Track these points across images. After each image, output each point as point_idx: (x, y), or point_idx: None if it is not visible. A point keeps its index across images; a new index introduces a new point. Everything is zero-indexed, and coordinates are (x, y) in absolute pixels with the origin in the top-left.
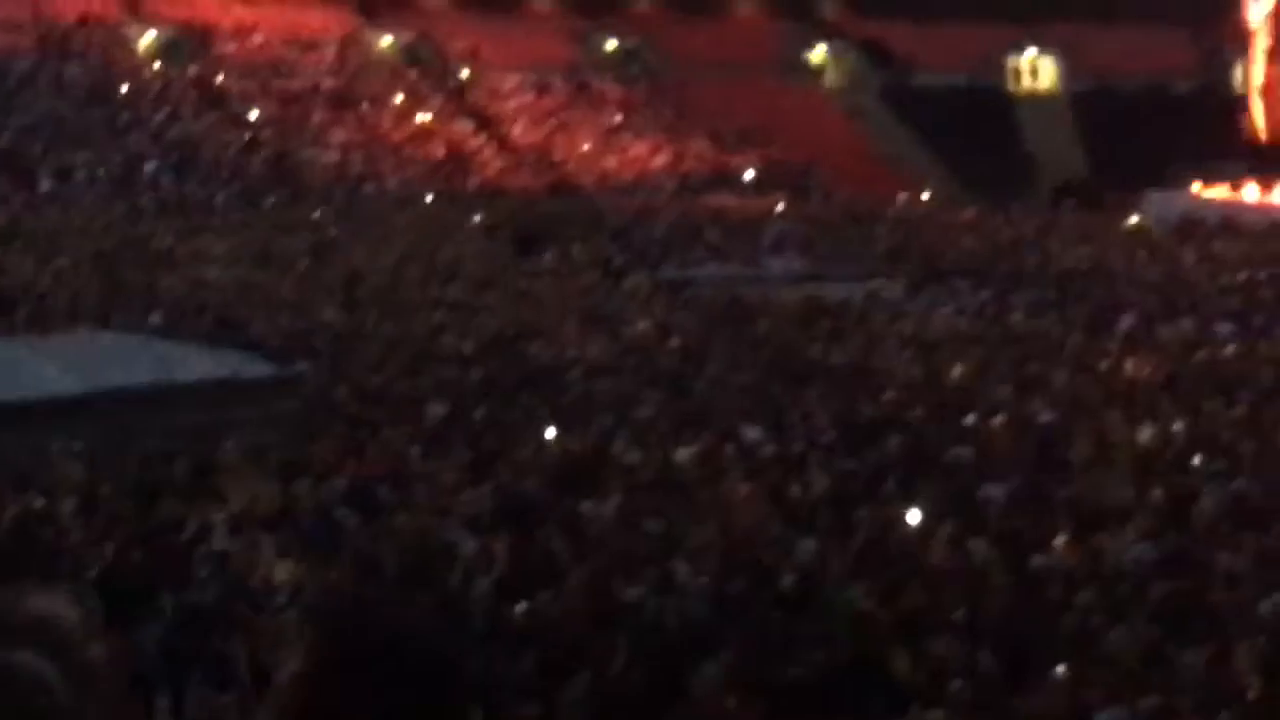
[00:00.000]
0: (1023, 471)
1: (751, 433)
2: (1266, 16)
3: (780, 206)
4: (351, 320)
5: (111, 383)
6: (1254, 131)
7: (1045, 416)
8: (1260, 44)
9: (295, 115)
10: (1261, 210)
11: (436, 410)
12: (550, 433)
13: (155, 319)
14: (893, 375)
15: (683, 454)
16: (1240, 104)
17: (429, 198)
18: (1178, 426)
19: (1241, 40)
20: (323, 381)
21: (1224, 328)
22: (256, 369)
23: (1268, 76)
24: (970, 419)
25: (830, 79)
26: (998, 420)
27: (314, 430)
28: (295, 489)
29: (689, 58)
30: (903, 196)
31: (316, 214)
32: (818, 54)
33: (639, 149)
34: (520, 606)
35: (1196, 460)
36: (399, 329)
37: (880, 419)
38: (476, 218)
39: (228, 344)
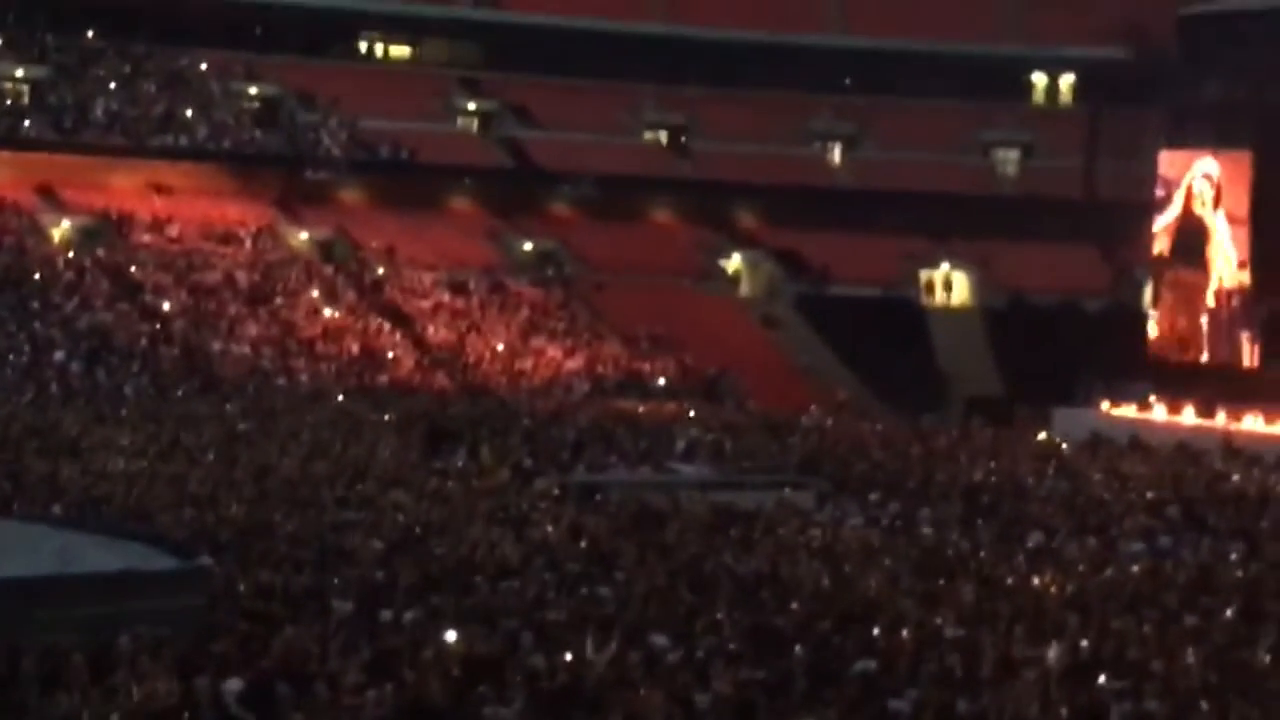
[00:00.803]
0: (929, 685)
1: (658, 639)
2: (1166, 226)
3: (692, 413)
4: (258, 515)
5: (10, 572)
6: (1149, 344)
7: (952, 631)
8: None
9: (209, 308)
10: (1168, 429)
11: (341, 608)
12: (454, 635)
13: (57, 509)
14: (800, 585)
15: (589, 658)
16: (1149, 323)
17: (340, 394)
18: (1085, 644)
19: (1150, 260)
20: (226, 576)
21: (1131, 546)
22: (159, 562)
23: (1168, 288)
24: (877, 631)
25: (745, 288)
26: (904, 633)
27: (216, 626)
28: (194, 685)
29: (605, 262)
30: (815, 406)
31: (226, 407)
32: (733, 262)
33: (553, 351)
34: None
35: (1103, 678)
36: (305, 525)
37: (787, 629)
38: (387, 416)
39: (130, 536)
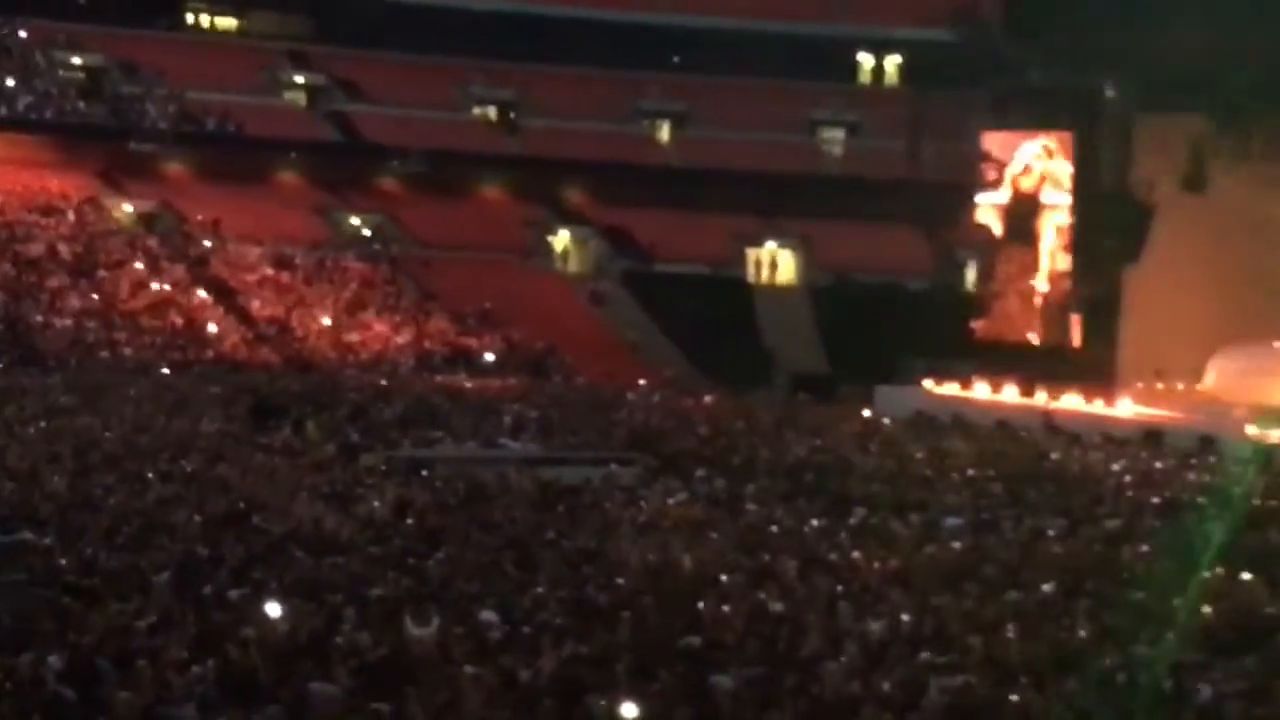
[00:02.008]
0: (753, 661)
1: (484, 614)
2: (998, 207)
3: (520, 389)
4: (80, 490)
5: None
6: (978, 323)
7: (777, 606)
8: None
9: (30, 280)
10: (990, 408)
11: (164, 584)
12: (278, 610)
13: None
14: (626, 561)
15: (414, 634)
16: (972, 303)
17: (165, 368)
18: (907, 619)
19: (973, 241)
20: (47, 552)
21: (953, 522)
22: None
23: (1001, 269)
24: (702, 607)
25: (573, 264)
26: (729, 609)
27: (36, 602)
28: (15, 662)
29: (433, 238)
30: (642, 383)
31: (48, 380)
32: (561, 239)
33: (380, 326)
34: None
35: (925, 654)
36: (128, 500)
37: (613, 604)
38: (213, 390)
39: None
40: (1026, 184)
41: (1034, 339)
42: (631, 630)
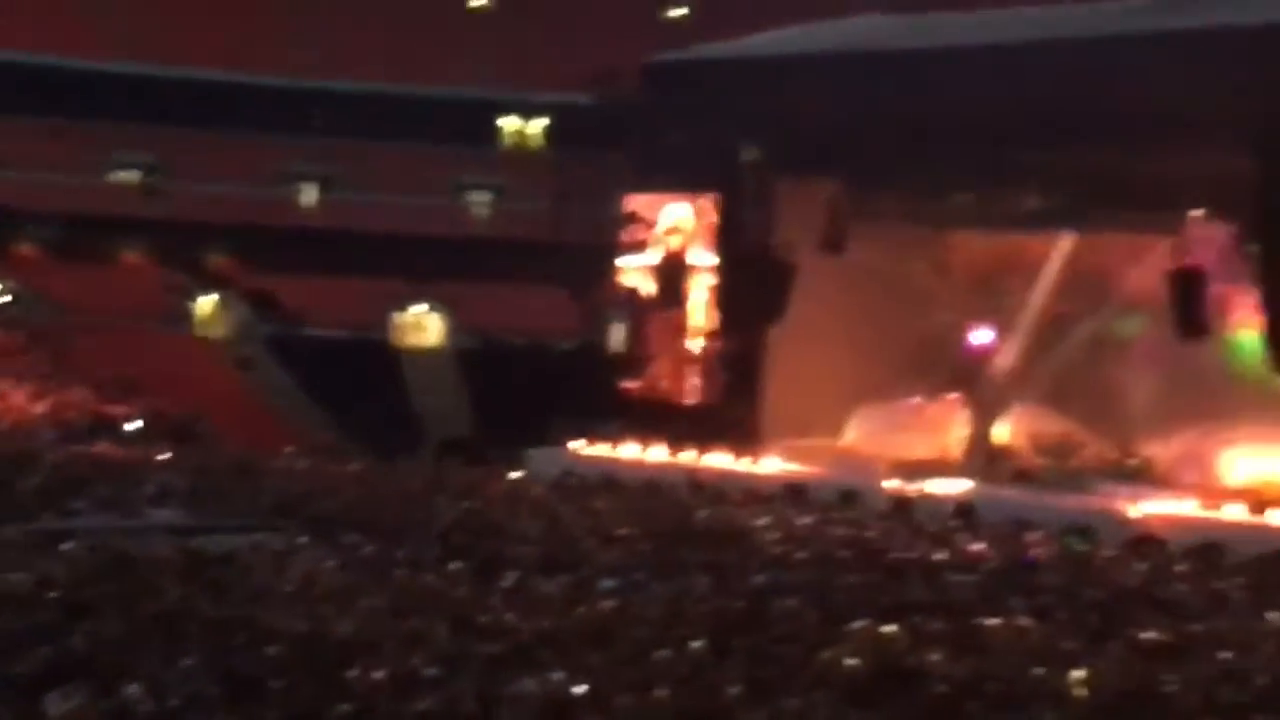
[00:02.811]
0: None
1: (130, 689)
2: (647, 268)
3: (164, 457)
4: None
5: None
6: (628, 384)
7: (429, 671)
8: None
9: None
10: (639, 467)
11: None
12: None
13: None
14: (276, 629)
15: (56, 712)
16: (619, 363)
17: None
18: (559, 678)
19: (621, 302)
20: None
21: (604, 582)
22: None
23: (652, 330)
24: (354, 674)
25: (217, 329)
26: (380, 675)
27: None
28: None
29: (71, 304)
30: (289, 449)
31: None
32: (205, 304)
33: (16, 397)
34: None
35: (556, 713)
36: None
37: (263, 674)
38: None
39: None
40: (674, 244)
41: (682, 398)
42: (282, 700)
